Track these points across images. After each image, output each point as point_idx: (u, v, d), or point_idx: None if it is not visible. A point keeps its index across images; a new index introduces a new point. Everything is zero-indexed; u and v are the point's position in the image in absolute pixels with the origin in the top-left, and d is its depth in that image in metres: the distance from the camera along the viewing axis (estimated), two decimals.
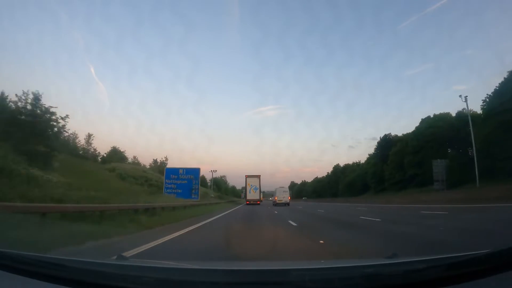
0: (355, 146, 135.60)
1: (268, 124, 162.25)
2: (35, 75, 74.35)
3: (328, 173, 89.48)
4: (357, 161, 76.44)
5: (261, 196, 44.37)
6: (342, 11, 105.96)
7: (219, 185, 74.68)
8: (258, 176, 44.24)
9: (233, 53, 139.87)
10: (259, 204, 37.46)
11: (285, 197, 36.37)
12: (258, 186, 42.88)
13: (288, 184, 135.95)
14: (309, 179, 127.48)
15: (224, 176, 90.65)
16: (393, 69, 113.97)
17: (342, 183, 73.17)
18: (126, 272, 1.33)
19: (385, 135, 56.96)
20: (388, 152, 50.58)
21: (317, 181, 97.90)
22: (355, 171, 71.06)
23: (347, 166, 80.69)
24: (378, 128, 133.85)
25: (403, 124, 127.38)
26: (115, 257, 1.82)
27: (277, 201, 36.06)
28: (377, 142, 59.65)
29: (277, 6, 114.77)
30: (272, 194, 53.02)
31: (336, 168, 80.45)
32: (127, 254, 3.87)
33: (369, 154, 66.66)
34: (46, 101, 14.51)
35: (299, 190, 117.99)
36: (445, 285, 1.12)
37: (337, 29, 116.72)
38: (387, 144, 55.10)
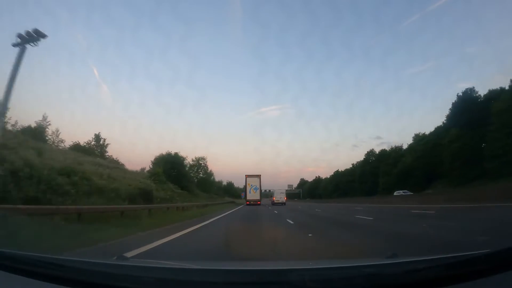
0: (359, 145, 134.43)
1: (271, 125, 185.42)
2: (41, 79, 74.79)
3: (352, 165, 71.30)
4: (398, 145, 64.32)
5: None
6: None
7: (178, 168, 42.08)
8: (259, 176, 45.53)
9: (234, 53, 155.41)
10: (259, 204, 41.12)
11: (282, 197, 45.01)
12: (258, 186, 44.24)
13: (297, 181, 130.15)
14: (312, 178, 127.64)
15: (202, 159, 60.21)
16: (397, 68, 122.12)
17: (385, 174, 56.42)
18: (126, 272, 1.37)
19: (467, 90, 40.63)
20: (477, 115, 34.35)
21: (340, 175, 75.92)
22: (402, 155, 55.60)
23: (384, 153, 64.60)
24: (383, 128, 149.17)
25: (407, 123, 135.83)
26: (115, 257, 1.88)
27: (275, 201, 44.27)
28: (452, 104, 42.72)
29: (278, 5, 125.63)
30: (269, 195, 59.97)
31: (370, 155, 57.58)
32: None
33: (417, 135, 55.09)
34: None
35: (313, 188, 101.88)
36: (445, 285, 1.18)
37: (338, 25, 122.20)
38: (471, 104, 37.28)
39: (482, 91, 38.69)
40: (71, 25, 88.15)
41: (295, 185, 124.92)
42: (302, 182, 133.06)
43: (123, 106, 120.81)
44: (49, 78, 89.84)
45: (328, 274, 1.30)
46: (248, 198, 43.14)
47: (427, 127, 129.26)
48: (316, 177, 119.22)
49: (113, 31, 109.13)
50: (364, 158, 70.16)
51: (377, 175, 59.49)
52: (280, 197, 45.15)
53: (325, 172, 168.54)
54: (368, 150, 69.69)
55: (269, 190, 70.33)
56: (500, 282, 1.15)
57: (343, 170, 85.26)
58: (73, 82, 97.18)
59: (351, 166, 78.74)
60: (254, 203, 40.40)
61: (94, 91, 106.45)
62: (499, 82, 66.95)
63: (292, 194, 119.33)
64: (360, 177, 66.98)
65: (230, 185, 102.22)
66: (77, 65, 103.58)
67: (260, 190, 45.26)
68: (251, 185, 42.83)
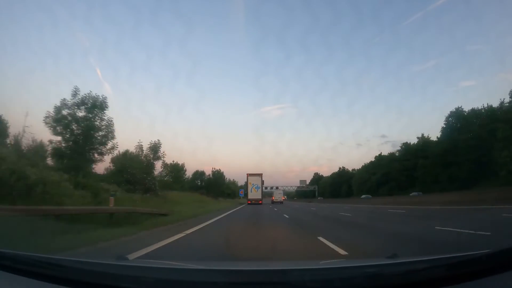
0: (363, 144, 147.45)
1: (273, 124, 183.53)
2: (46, 81, 66.91)
3: (403, 144, 43.56)
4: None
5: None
6: None
7: None
8: (260, 175, 45.88)
9: (235, 52, 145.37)
10: (261, 203, 41.65)
11: (280, 197, 53.81)
12: (260, 185, 44.34)
13: (310, 177, 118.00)
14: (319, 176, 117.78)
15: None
16: (399, 66, 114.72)
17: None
18: (126, 273, 1.38)
19: None
20: None
21: (388, 160, 48.94)
22: None
23: (477, 113, 38.97)
24: (387, 126, 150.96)
25: (411, 122, 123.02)
26: (115, 257, 1.89)
27: (274, 200, 52.42)
28: None
29: (278, 5, 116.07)
30: (269, 194, 64.70)
31: (455, 116, 31.32)
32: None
33: None
34: None
35: (336, 183, 73.44)
36: (445, 285, 1.19)
37: (339, 23, 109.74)
38: None
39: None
40: (73, 25, 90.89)
41: (308, 181, 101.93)
42: (317, 178, 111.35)
43: (124, 105, 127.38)
44: (51, 78, 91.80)
45: (328, 274, 1.29)
46: (249, 197, 42.42)
47: (429, 126, 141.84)
48: (340, 168, 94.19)
49: (114, 30, 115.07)
50: (445, 124, 43.29)
51: (483, 148, 35.75)
52: (278, 197, 52.94)
53: (331, 170, 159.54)
54: (453, 109, 43.55)
55: (277, 187, 70.71)
56: (500, 282, 1.14)
57: (384, 154, 64.40)
58: (75, 82, 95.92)
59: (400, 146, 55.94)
60: (256, 202, 39.93)
61: (97, 90, 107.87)
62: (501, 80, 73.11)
63: (304, 192, 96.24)
64: (444, 156, 40.36)
65: (218, 176, 70.76)
66: (80, 65, 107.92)
67: (262, 189, 44.86)
68: (253, 184, 42.45)
